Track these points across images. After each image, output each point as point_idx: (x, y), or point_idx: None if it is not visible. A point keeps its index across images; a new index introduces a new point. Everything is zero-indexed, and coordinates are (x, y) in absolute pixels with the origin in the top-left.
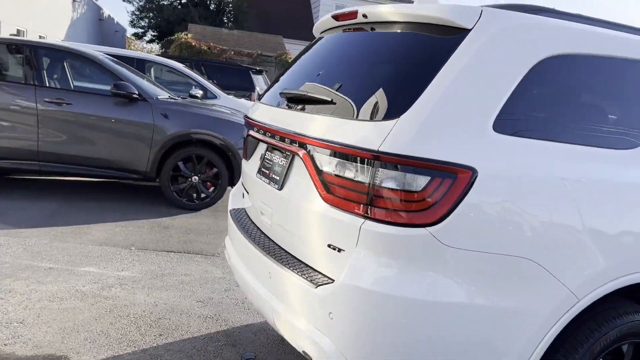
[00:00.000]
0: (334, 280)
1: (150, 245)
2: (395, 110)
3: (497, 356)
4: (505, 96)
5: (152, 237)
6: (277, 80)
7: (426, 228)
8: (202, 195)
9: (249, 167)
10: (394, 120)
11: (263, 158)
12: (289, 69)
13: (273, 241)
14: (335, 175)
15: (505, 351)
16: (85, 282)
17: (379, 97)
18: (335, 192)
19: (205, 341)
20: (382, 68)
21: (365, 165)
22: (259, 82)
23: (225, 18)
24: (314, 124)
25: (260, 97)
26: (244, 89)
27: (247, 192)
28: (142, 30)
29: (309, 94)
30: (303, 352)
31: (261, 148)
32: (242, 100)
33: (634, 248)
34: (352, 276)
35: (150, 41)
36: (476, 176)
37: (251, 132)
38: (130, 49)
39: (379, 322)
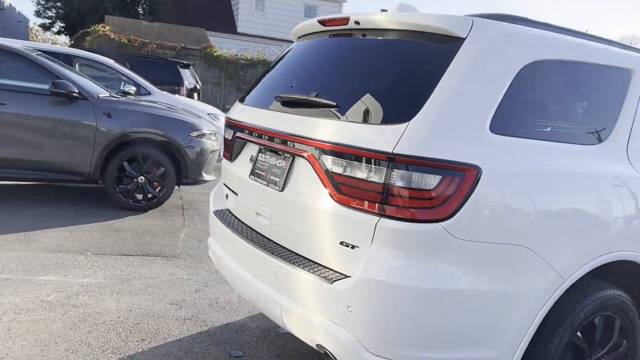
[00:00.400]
0: (349, 276)
1: (107, 250)
2: (404, 114)
3: (499, 335)
4: (499, 99)
5: (105, 241)
6: (258, 81)
7: (439, 223)
8: (149, 195)
9: (237, 168)
10: (405, 124)
11: (256, 160)
12: (271, 71)
13: (273, 241)
14: (347, 176)
15: (506, 330)
16: (48, 292)
17: (386, 101)
18: (347, 193)
19: (189, 343)
20: (383, 73)
21: (380, 167)
22: (187, 76)
23: (140, 9)
24: (321, 128)
25: (242, 98)
26: (172, 83)
27: (236, 194)
28: (50, 21)
29: (312, 98)
30: (317, 345)
31: (251, 150)
32: (177, 96)
33: (603, 234)
34: (371, 271)
35: (58, 33)
36: (481, 174)
37: (239, 134)
38: (35, 42)
39: (398, 312)
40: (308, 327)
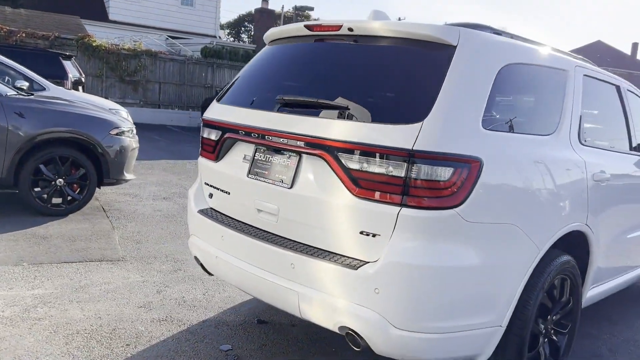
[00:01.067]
0: (369, 262)
1: (43, 259)
2: (416, 115)
3: (496, 302)
4: (486, 99)
5: (37, 249)
6: (235, 82)
7: (454, 209)
8: (69, 198)
9: (227, 168)
10: (419, 124)
11: (253, 160)
12: (250, 72)
13: (280, 236)
14: (367, 172)
15: (500, 297)
16: (1, 307)
17: (396, 103)
18: (367, 187)
19: (175, 343)
20: (387, 77)
21: (401, 162)
22: (70, 68)
23: None
24: (337, 128)
25: (219, 98)
26: (55, 76)
27: (227, 192)
28: None
29: (324, 101)
30: (340, 327)
31: (243, 150)
32: (74, 91)
33: (562, 210)
34: (397, 255)
35: None
36: (483, 164)
37: (230, 135)
38: None
39: (420, 289)
40: (330, 312)
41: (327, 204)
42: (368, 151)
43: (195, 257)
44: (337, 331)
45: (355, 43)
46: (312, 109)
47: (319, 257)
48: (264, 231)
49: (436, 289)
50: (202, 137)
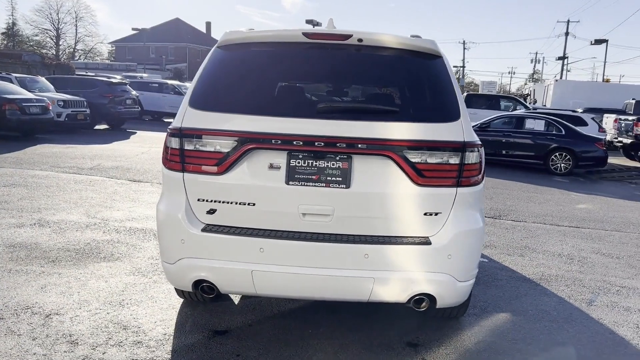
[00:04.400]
0: (435, 234)
1: None
2: (453, 114)
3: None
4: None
5: None
6: (218, 85)
7: (481, 183)
8: None
9: (246, 179)
10: (459, 121)
11: (289, 167)
12: (243, 76)
13: (336, 234)
14: (429, 163)
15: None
16: None
17: (432, 105)
18: (430, 175)
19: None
20: (408, 82)
21: (457, 152)
22: None
23: None
24: (396, 129)
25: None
26: None
27: (251, 204)
28: None
29: (374, 106)
30: (417, 297)
31: (267, 158)
32: None
33: None
34: (460, 225)
35: None
36: (481, 146)
37: (253, 145)
38: None
39: (474, 247)
40: (407, 285)
41: (391, 196)
42: (430, 146)
43: (198, 281)
44: (405, 301)
45: (366, 52)
46: (354, 114)
47: (391, 243)
48: (314, 233)
49: (478, 245)
50: (191, 149)
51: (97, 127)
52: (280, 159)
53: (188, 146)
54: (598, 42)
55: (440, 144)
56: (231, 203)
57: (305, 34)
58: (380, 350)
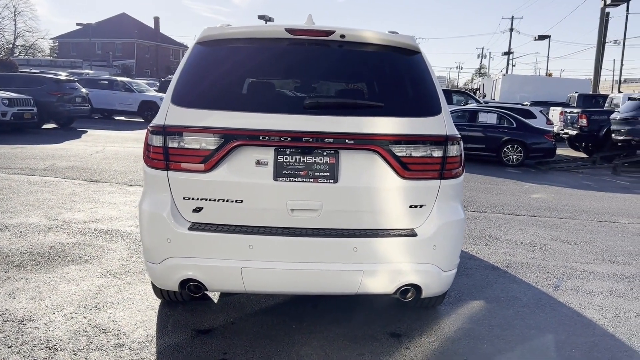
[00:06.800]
0: (420, 225)
1: None
2: (434, 108)
3: None
4: None
5: None
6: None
7: (461, 175)
8: None
9: (233, 176)
10: (441, 115)
11: (276, 163)
12: (224, 72)
13: (325, 228)
14: (414, 156)
15: None
16: None
17: (414, 100)
18: (415, 169)
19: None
20: (387, 78)
21: (440, 145)
22: None
23: None
24: (381, 124)
25: (179, 102)
26: None
27: (239, 201)
28: None
29: (360, 101)
30: (401, 288)
31: (254, 155)
32: None
33: None
34: (444, 216)
35: None
36: (461, 140)
37: (239, 142)
38: None
39: (458, 237)
40: (395, 276)
41: (378, 190)
42: (415, 140)
43: (185, 281)
44: (392, 292)
45: (347, 48)
46: (340, 109)
47: (379, 235)
48: (303, 228)
49: (461, 235)
50: (175, 147)
51: (45, 126)
52: (267, 155)
53: (172, 144)
54: (541, 37)
55: (424, 138)
56: (218, 200)
57: (288, 30)
58: (365, 341)
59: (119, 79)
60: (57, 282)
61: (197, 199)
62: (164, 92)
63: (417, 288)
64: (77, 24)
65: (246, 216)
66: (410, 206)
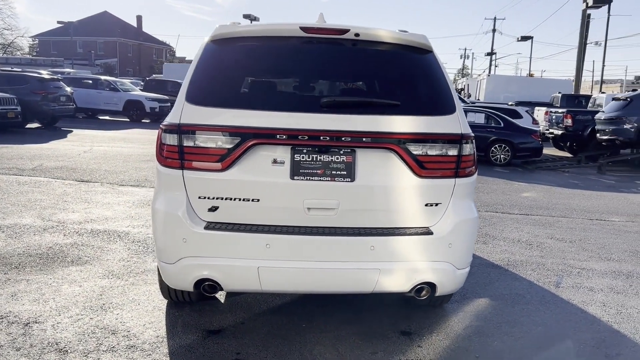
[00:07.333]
0: (431, 226)
1: None
2: (449, 107)
3: None
4: None
5: None
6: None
7: (475, 173)
8: None
9: (249, 175)
10: (455, 114)
11: (293, 162)
12: (239, 70)
13: (341, 227)
14: (430, 155)
15: None
16: None
17: (429, 98)
18: (430, 167)
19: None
20: (402, 77)
21: (455, 144)
22: None
23: None
24: (399, 123)
25: (194, 100)
26: None
27: (255, 200)
28: None
29: (377, 100)
30: (416, 286)
31: (270, 153)
32: None
33: None
34: (459, 214)
35: None
36: (474, 138)
37: (255, 140)
38: None
39: (472, 235)
40: (411, 274)
41: (394, 188)
42: (431, 139)
43: (200, 281)
44: (407, 290)
45: (361, 47)
46: (357, 108)
47: (395, 234)
48: (320, 227)
49: (475, 233)
50: (191, 146)
51: (28, 125)
52: (284, 154)
53: (188, 142)
54: (524, 38)
55: (441, 136)
56: (234, 200)
57: (303, 29)
58: (377, 340)
59: (104, 77)
60: (59, 283)
61: (213, 198)
62: (149, 92)
63: (432, 286)
64: (59, 22)
65: (262, 215)
66: (426, 204)
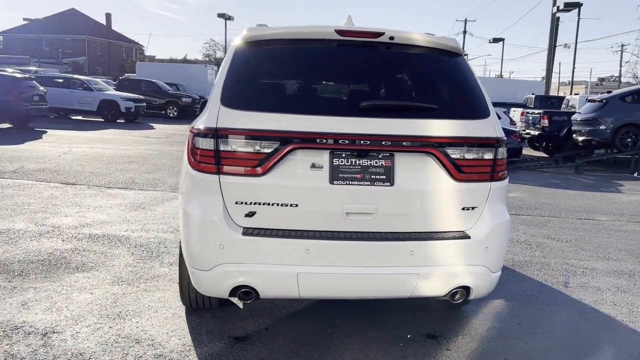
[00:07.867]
0: (467, 229)
1: None
2: (484, 111)
3: None
4: None
5: None
6: (249, 83)
7: (507, 178)
8: None
9: (287, 180)
10: (490, 118)
11: (332, 166)
12: (274, 73)
13: (379, 232)
14: (467, 159)
15: None
16: None
17: (465, 102)
18: (467, 171)
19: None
20: (437, 80)
21: (491, 148)
22: None
23: None
24: (437, 126)
25: (230, 103)
26: None
27: (294, 205)
28: None
29: (417, 104)
30: (453, 290)
31: (308, 158)
32: None
33: None
34: (495, 218)
35: None
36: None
37: (298, 144)
38: None
39: (506, 238)
40: (450, 278)
41: (432, 192)
42: (469, 142)
43: (236, 288)
44: (443, 295)
45: (396, 50)
46: (395, 112)
47: (434, 238)
48: (359, 232)
49: (508, 236)
50: (229, 150)
51: (0, 126)
52: (322, 158)
53: (224, 147)
54: (496, 40)
55: (478, 140)
56: (272, 205)
57: (339, 32)
58: (405, 344)
59: (77, 76)
60: (68, 291)
61: (251, 203)
62: (123, 92)
63: (467, 289)
64: (24, 19)
65: (301, 220)
66: (463, 208)
